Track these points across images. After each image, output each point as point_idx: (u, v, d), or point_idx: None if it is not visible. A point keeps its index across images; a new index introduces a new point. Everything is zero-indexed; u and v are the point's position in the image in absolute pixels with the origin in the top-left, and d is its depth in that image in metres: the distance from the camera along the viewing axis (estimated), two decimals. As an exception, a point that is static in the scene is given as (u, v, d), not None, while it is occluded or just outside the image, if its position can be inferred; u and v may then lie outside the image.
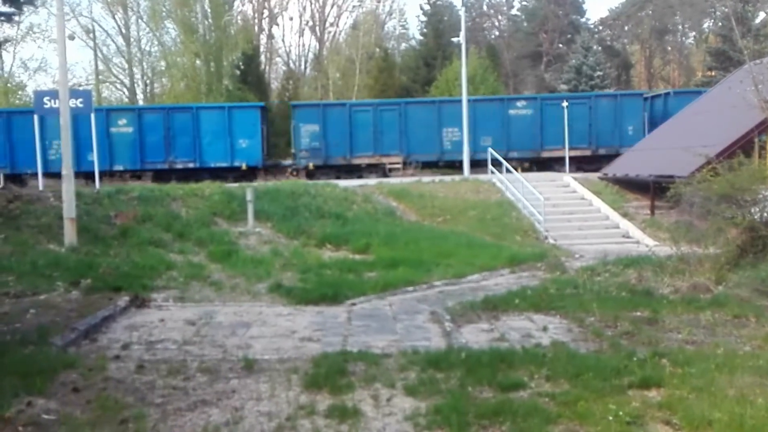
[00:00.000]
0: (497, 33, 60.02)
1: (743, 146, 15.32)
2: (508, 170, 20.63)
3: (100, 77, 43.82)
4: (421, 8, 48.42)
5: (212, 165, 25.23)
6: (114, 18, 43.98)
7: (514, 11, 59.62)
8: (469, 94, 26.34)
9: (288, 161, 27.16)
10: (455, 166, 25.70)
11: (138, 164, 25.26)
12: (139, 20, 43.51)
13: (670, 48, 59.28)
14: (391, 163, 25.66)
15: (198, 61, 38.41)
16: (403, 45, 54.75)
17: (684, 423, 4.86)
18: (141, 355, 6.78)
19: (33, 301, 8.97)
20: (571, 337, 7.57)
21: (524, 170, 23.82)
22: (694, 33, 57.95)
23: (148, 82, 45.64)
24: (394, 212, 18.02)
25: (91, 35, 43.01)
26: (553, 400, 5.34)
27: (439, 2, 48.66)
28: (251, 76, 39.51)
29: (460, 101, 27.33)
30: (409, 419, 5.05)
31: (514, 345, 7.10)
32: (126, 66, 44.41)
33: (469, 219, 17.64)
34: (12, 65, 43.64)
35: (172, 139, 24.99)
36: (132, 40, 43.97)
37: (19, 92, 41.27)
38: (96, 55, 43.16)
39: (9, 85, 41.14)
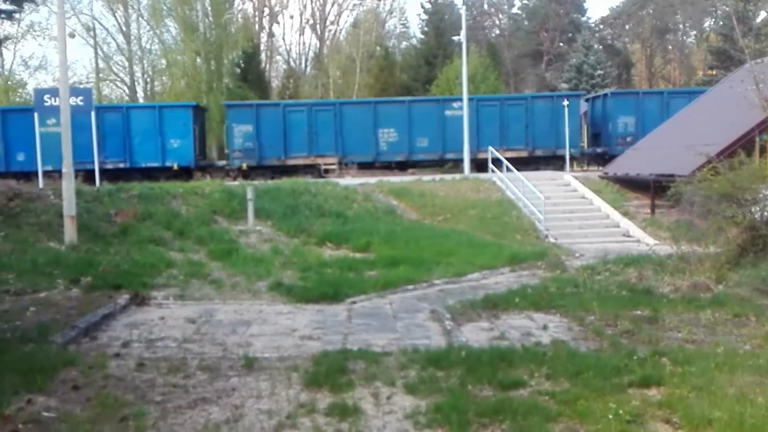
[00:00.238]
0: (498, 32, 60.05)
1: (744, 145, 15.30)
2: (508, 169, 20.62)
3: (101, 75, 43.84)
4: (422, 7, 48.56)
5: (143, 165, 24.75)
6: (114, 16, 44.07)
7: (515, 10, 59.70)
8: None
9: (223, 162, 26.74)
10: (391, 167, 25.64)
11: None
12: (140, 18, 43.58)
13: (671, 47, 59.31)
14: (326, 164, 25.39)
15: (198, 60, 38.40)
16: (404, 43, 54.84)
17: (684, 422, 4.86)
18: (141, 353, 6.79)
19: (33, 298, 8.98)
20: (571, 336, 7.56)
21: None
22: (695, 32, 57.98)
23: (148, 80, 45.69)
24: (394, 211, 18.01)
25: (92, 33, 43.05)
26: (553, 399, 5.33)
27: (440, 1, 48.70)
28: (252, 74, 39.54)
29: (395, 101, 27.68)
30: (409, 417, 5.05)
31: (515, 343, 7.10)
32: (126, 64, 44.45)
33: (470, 218, 17.64)
34: (12, 63, 43.68)
35: (102, 138, 23.85)
36: (132, 38, 44.03)
37: (20, 90, 41.27)
38: (96, 53, 43.18)
39: (9, 83, 41.14)
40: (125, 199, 15.98)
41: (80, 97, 17.08)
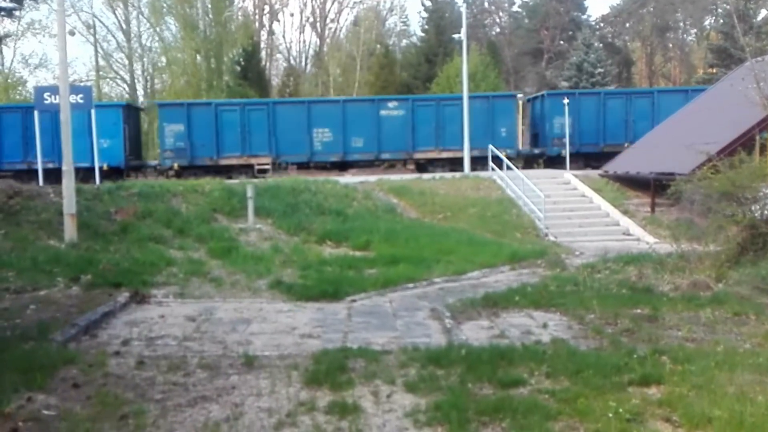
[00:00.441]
0: (498, 30, 59.97)
1: (744, 144, 15.28)
2: (508, 167, 20.61)
3: (101, 73, 43.83)
4: (423, 4, 48.43)
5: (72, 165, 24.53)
6: (114, 13, 44.03)
7: (515, 8, 59.58)
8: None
9: (155, 162, 26.37)
10: (326, 167, 25.52)
11: None
12: (140, 16, 43.55)
13: (671, 45, 59.26)
14: (259, 164, 25.18)
15: (198, 57, 38.38)
16: (404, 41, 54.79)
17: (684, 420, 4.86)
18: (141, 351, 6.79)
19: (33, 296, 8.98)
20: (571, 335, 7.57)
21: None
22: (695, 30, 57.91)
23: (148, 78, 45.67)
24: (394, 209, 18.01)
25: (92, 31, 43.02)
26: (553, 397, 5.34)
27: (440, -1, 48.60)
28: (252, 72, 39.50)
29: (329, 101, 27.57)
30: (409, 416, 5.05)
31: (514, 342, 7.10)
32: (126, 62, 44.43)
33: (470, 216, 17.64)
34: (12, 61, 43.63)
35: (30, 139, 23.66)
36: (132, 35, 44.00)
37: (19, 88, 41.26)
38: (96, 50, 43.18)
39: (9, 80, 41.13)
40: (125, 197, 15.97)
41: (80, 95, 17.06)
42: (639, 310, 8.57)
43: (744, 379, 5.64)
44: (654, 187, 18.22)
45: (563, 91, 30.85)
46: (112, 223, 14.29)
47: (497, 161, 24.81)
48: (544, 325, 7.98)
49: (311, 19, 53.39)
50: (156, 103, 28.22)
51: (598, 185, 20.27)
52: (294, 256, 12.84)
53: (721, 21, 43.60)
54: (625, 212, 18.26)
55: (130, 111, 27.11)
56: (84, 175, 21.90)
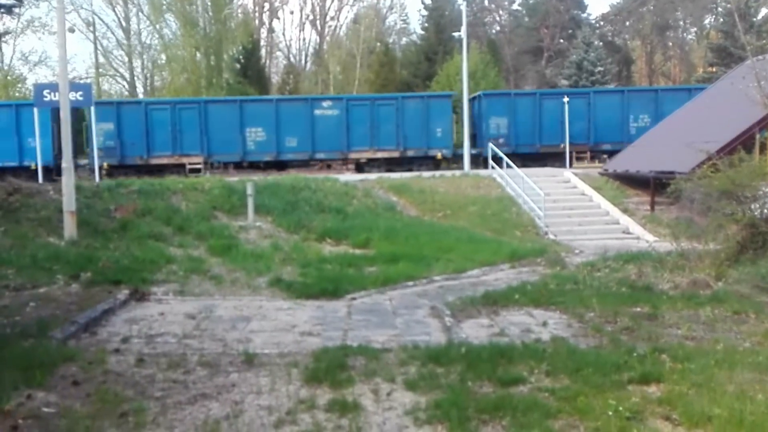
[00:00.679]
0: (498, 28, 59.97)
1: (744, 142, 15.29)
2: (508, 166, 20.62)
3: (101, 70, 43.81)
4: (423, 3, 48.39)
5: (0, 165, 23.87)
6: (114, 11, 43.97)
7: (515, 6, 59.59)
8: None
9: (85, 161, 25.87)
10: (259, 167, 25.34)
11: None
12: (140, 13, 43.51)
13: (671, 44, 59.25)
14: (191, 164, 24.97)
15: (198, 55, 38.36)
16: (404, 39, 54.75)
17: (684, 419, 4.86)
18: (141, 348, 6.78)
19: (33, 294, 8.97)
20: (570, 333, 7.57)
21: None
22: (695, 29, 57.93)
23: (148, 75, 45.63)
24: (394, 207, 18.02)
25: (91, 28, 42.99)
26: (552, 395, 5.33)
27: (440, -3, 48.55)
28: (251, 70, 39.47)
29: (262, 100, 27.32)
30: (409, 414, 5.05)
31: (514, 340, 7.10)
32: (126, 59, 44.41)
33: (470, 214, 17.65)
34: (12, 58, 43.56)
35: None
36: (132, 33, 43.97)
37: (19, 85, 41.23)
38: (96, 48, 43.13)
39: (9, 77, 41.09)
40: (125, 195, 15.97)
41: (80, 92, 17.08)
42: (639, 309, 8.57)
43: (744, 378, 5.64)
44: (654, 185, 18.22)
45: (501, 92, 30.79)
46: (111, 220, 14.29)
47: (434, 162, 25.31)
48: (544, 324, 7.98)
49: (311, 17, 53.42)
50: None
51: (597, 184, 20.27)
52: (294, 254, 12.83)
53: (721, 20, 43.60)
54: (625, 211, 18.26)
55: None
56: (13, 174, 21.52)
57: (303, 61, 53.85)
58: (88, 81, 38.10)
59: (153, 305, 8.95)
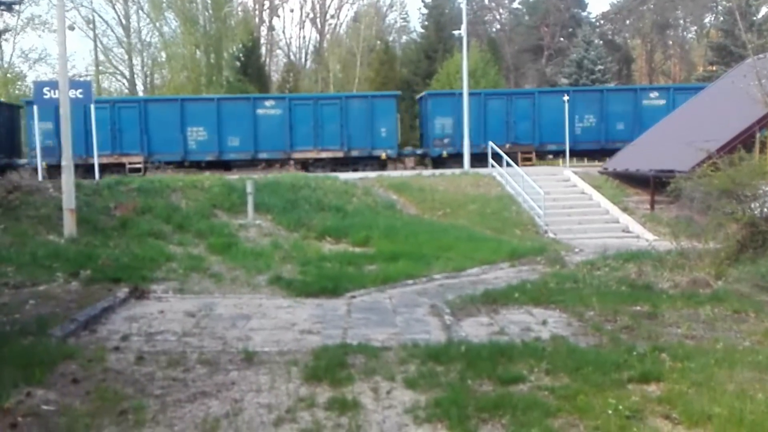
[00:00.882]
0: (498, 26, 59.94)
1: (744, 141, 15.29)
2: (508, 164, 20.61)
3: (100, 68, 43.79)
4: (423, 1, 48.29)
5: None
6: (114, 8, 43.91)
7: (515, 4, 59.55)
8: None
9: (24, 161, 25.76)
10: (201, 167, 25.04)
11: None
12: (140, 10, 43.46)
13: (671, 42, 59.21)
14: (131, 163, 24.76)
15: (198, 53, 38.32)
16: (404, 38, 54.73)
17: (683, 417, 4.86)
18: (140, 346, 6.78)
19: (32, 291, 8.97)
20: (570, 331, 7.57)
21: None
22: (695, 27, 57.91)
23: (148, 73, 45.58)
24: (394, 205, 18.01)
25: (91, 26, 42.94)
26: (552, 394, 5.34)
27: (440, -5, 48.49)
28: (251, 68, 39.41)
29: (204, 99, 27.26)
30: (408, 412, 5.05)
31: (514, 339, 7.10)
32: (126, 57, 44.36)
33: (469, 213, 17.65)
34: (12, 55, 43.55)
35: None
36: (132, 30, 43.91)
37: (19, 83, 41.20)
38: (96, 45, 43.11)
39: (9, 75, 41.06)
40: (125, 193, 15.96)
41: (80, 90, 17.07)
42: (638, 308, 8.57)
43: (743, 377, 5.64)
44: (654, 184, 18.21)
45: (444, 91, 30.66)
46: (111, 218, 14.28)
47: (378, 162, 25.17)
48: (544, 322, 7.98)
49: (311, 15, 53.33)
50: (23, 101, 26.89)
51: (597, 182, 20.27)
52: (293, 252, 12.83)
53: (721, 18, 43.58)
54: (625, 209, 18.26)
55: (1, 109, 26.50)
56: None
57: (303, 59, 53.81)
58: (88, 79, 38.10)
59: (153, 303, 8.95)
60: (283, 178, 19.02)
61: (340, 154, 25.72)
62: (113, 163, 24.73)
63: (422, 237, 14.24)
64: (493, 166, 22.08)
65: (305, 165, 25.81)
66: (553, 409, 5.00)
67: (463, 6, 27.39)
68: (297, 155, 25.86)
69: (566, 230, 16.79)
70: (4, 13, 26.03)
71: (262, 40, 48.27)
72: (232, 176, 19.98)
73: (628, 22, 58.66)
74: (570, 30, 52.90)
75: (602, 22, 57.61)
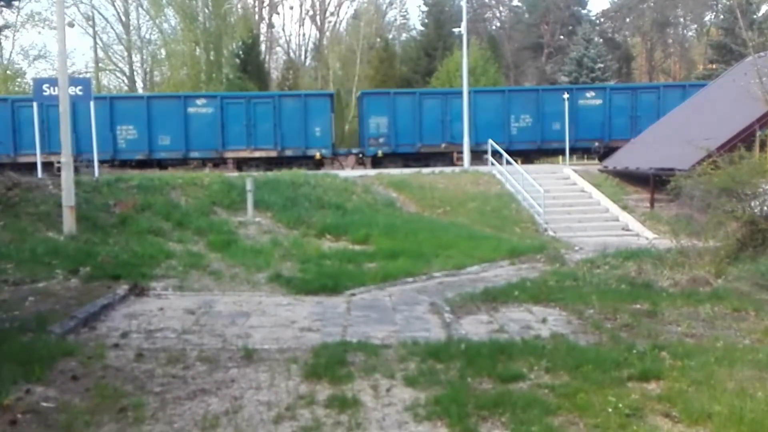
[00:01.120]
0: (498, 24, 59.93)
1: (744, 140, 15.28)
2: (508, 162, 20.60)
3: (100, 65, 43.76)
4: (423, -2, 48.24)
5: None
6: (114, 5, 43.88)
7: (515, 2, 59.54)
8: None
9: None
10: (131, 166, 24.64)
11: None
12: (139, 8, 43.42)
13: (671, 41, 59.20)
14: (59, 162, 24.19)
15: (198, 50, 38.26)
16: (404, 35, 54.68)
17: (683, 416, 4.86)
18: (140, 343, 6.77)
19: (32, 288, 8.96)
20: (570, 329, 7.56)
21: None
22: (695, 26, 57.89)
23: (147, 70, 45.54)
24: (393, 203, 18.00)
25: (91, 22, 42.91)
26: (552, 392, 5.33)
27: (440, -8, 48.44)
28: (251, 65, 39.37)
29: (133, 97, 26.94)
30: (408, 410, 5.05)
31: (514, 337, 7.09)
32: (125, 54, 44.33)
33: (469, 211, 17.63)
34: (11, 52, 43.61)
35: None
36: (132, 27, 43.89)
37: (18, 79, 41.17)
38: (95, 42, 43.07)
39: (8, 72, 41.03)
40: (124, 190, 15.94)
41: (79, 87, 17.05)
42: (638, 306, 8.57)
43: (743, 375, 5.64)
44: (653, 182, 18.21)
45: (379, 90, 30.58)
46: (111, 215, 14.27)
47: (314, 162, 25.10)
48: (544, 320, 7.98)
49: (311, 12, 53.26)
50: None
51: (597, 180, 20.27)
52: (293, 250, 12.82)
53: (722, 17, 43.55)
54: (625, 208, 18.26)
55: None
56: None
57: (303, 57, 53.76)
58: (88, 76, 38.09)
59: (152, 300, 8.94)
60: (282, 176, 19.01)
61: (273, 154, 25.53)
62: (42, 161, 23.74)
63: (422, 235, 14.23)
64: (493, 164, 22.05)
65: (240, 165, 25.60)
66: (552, 407, 5.00)
67: (463, 3, 27.38)
68: (230, 154, 25.67)
69: (566, 228, 16.78)
70: (4, 9, 25.99)
71: (262, 38, 48.21)
72: (232, 174, 19.98)
73: (628, 20, 58.63)
74: (570, 28, 52.86)
75: (602, 19, 57.58)
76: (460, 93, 25.65)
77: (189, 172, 20.54)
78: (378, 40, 46.82)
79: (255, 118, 25.51)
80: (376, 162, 26.15)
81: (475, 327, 7.72)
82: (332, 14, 53.42)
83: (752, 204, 11.38)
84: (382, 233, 14.25)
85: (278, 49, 54.11)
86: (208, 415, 4.92)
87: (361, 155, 27.03)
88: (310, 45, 54.01)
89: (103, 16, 45.39)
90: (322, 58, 48.60)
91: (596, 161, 25.58)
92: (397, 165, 24.94)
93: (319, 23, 52.70)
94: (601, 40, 47.63)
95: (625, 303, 8.65)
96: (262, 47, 46.69)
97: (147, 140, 24.79)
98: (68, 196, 12.88)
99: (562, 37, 54.07)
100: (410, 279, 10.87)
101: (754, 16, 37.81)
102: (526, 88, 25.40)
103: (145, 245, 12.22)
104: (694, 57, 56.10)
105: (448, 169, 22.17)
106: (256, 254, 12.23)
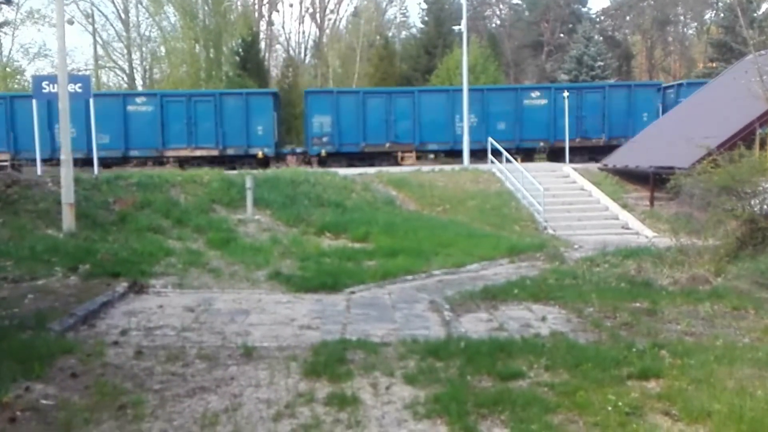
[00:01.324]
0: (498, 22, 59.89)
1: (744, 138, 15.28)
2: (508, 160, 20.59)
3: (99, 62, 43.72)
4: (422, -4, 48.20)
5: None
6: (113, 2, 43.90)
7: (515, 0, 59.41)
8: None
9: None
10: (75, 165, 24.37)
11: None
12: (139, 5, 43.38)
13: (671, 39, 59.16)
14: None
15: (197, 47, 38.21)
16: (404, 33, 54.68)
17: (683, 414, 4.85)
18: (139, 341, 6.77)
19: (31, 286, 8.95)
20: (570, 328, 7.56)
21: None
22: (695, 24, 57.85)
23: (147, 67, 45.51)
24: (393, 201, 17.99)
25: (91, 20, 42.88)
26: (552, 390, 5.33)
27: (440, -10, 48.39)
28: (251, 63, 39.35)
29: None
30: (408, 408, 5.04)
31: (513, 335, 7.09)
32: (125, 51, 44.30)
33: (469, 209, 17.63)
34: (11, 50, 43.52)
35: None
36: (131, 25, 43.89)
37: (18, 77, 41.13)
38: (95, 40, 43.04)
39: (8, 69, 40.99)
40: (124, 187, 15.93)
41: (79, 84, 17.01)
42: (638, 304, 8.57)
43: (743, 374, 5.64)
44: (653, 180, 18.21)
45: (323, 89, 30.62)
46: (110, 212, 14.26)
47: (256, 161, 24.93)
48: (543, 318, 7.98)
49: (311, 10, 53.21)
50: None
51: (597, 179, 20.28)
52: (293, 248, 12.82)
53: (722, 15, 43.50)
54: (624, 206, 18.26)
55: None
56: None
57: (302, 55, 53.74)
58: (87, 73, 38.04)
59: (152, 298, 8.94)
60: (282, 174, 19.01)
61: (215, 153, 25.41)
62: None
63: (421, 233, 14.23)
64: (492, 162, 22.04)
65: (181, 164, 25.36)
66: (552, 405, 5.00)
67: (463, 1, 27.28)
68: (170, 153, 25.52)
69: (565, 226, 16.78)
70: (3, 6, 25.96)
71: (262, 35, 48.19)
72: (231, 171, 19.97)
73: (628, 18, 58.58)
74: (570, 26, 52.82)
75: (602, 18, 57.52)
76: (406, 93, 25.58)
77: (189, 170, 20.51)
78: (378, 37, 46.80)
79: (196, 117, 25.37)
80: (321, 161, 26.11)
81: (474, 325, 7.72)
82: (332, 12, 53.45)
83: (752, 202, 11.38)
84: (381, 231, 14.24)
85: (278, 46, 54.14)
86: (207, 413, 4.92)
87: (304, 154, 26.96)
88: (310, 43, 54.03)
89: (102, 14, 45.54)
90: (322, 56, 48.58)
91: (595, 161, 25.56)
92: (341, 164, 24.85)
93: (318, 21, 52.70)
94: (601, 38, 47.59)
95: (625, 301, 8.64)
96: (262, 45, 46.69)
97: (85, 139, 23.86)
98: (68, 193, 12.87)
99: (562, 35, 54.04)
100: (410, 277, 10.87)
101: (755, 15, 37.76)
102: (471, 88, 25.45)
103: (145, 243, 12.21)
104: (694, 55, 56.07)
105: (447, 167, 22.15)
106: (256, 252, 12.23)
